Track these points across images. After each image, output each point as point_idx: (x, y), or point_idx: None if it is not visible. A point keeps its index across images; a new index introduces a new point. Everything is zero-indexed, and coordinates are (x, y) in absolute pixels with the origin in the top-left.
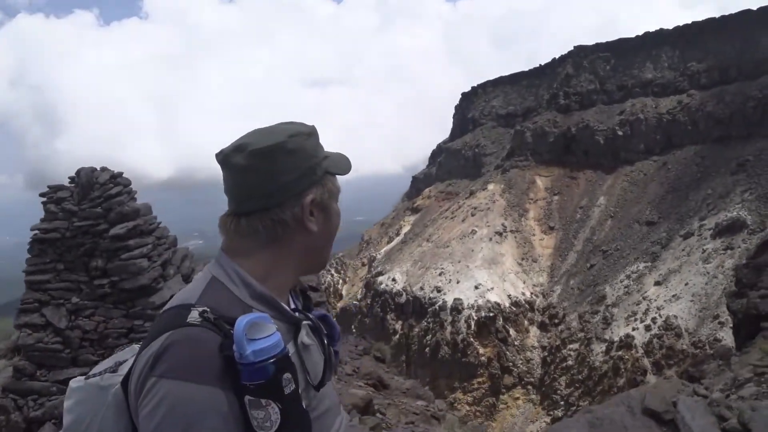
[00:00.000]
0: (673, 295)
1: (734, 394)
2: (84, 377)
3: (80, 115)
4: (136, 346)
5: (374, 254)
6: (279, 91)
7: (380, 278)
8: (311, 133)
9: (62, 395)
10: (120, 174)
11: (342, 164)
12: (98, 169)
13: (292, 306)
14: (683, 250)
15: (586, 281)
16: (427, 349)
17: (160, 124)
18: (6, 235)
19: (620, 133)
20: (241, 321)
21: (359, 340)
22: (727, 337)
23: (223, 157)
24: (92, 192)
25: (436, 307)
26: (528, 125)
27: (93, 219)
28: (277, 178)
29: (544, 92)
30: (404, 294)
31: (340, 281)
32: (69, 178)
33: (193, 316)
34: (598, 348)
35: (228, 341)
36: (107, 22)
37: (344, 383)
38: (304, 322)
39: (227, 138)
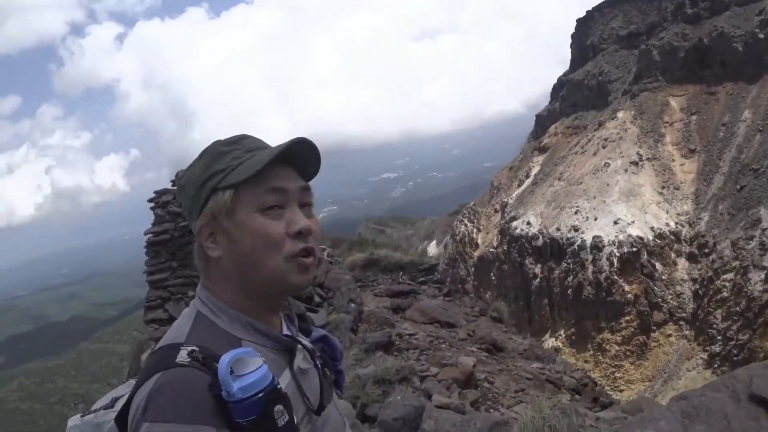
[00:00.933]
0: None
1: None
2: (81, 415)
3: (207, 104)
4: (132, 381)
5: (506, 199)
6: (389, 49)
7: (514, 223)
8: (200, 156)
9: None
10: None
11: (248, 166)
12: None
13: (285, 331)
14: None
15: (737, 205)
16: (569, 291)
17: (278, 99)
18: None
19: (761, 35)
20: (224, 360)
21: (475, 301)
22: None
23: None
24: None
25: (575, 247)
26: (654, 43)
27: None
28: (185, 213)
29: (668, 3)
30: (540, 237)
31: (474, 230)
32: (171, 181)
33: (182, 356)
34: (757, 276)
35: (217, 380)
36: (217, 13)
37: (456, 350)
38: (299, 346)
39: (344, 102)
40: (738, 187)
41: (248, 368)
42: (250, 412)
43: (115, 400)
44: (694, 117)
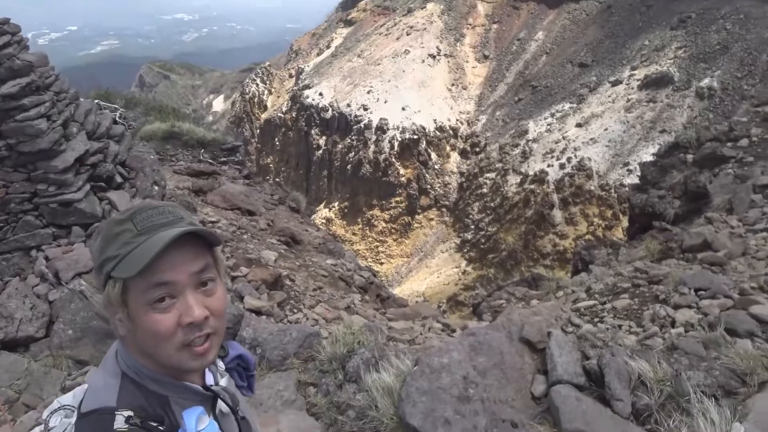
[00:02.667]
0: (591, 139)
1: (609, 308)
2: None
3: None
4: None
5: (303, 66)
6: None
7: (307, 92)
8: (98, 231)
9: None
10: (6, 20)
11: (135, 259)
12: None
13: (207, 377)
14: (609, 96)
15: (511, 114)
16: (349, 167)
17: None
18: None
19: None
20: (190, 419)
21: (275, 188)
22: (631, 183)
23: None
24: None
25: (362, 125)
26: None
27: None
28: None
29: None
30: (330, 109)
31: (266, 92)
32: None
33: (119, 423)
34: (513, 179)
35: None
36: None
37: (258, 241)
38: (220, 393)
39: None
40: (516, 98)
41: (203, 423)
42: None
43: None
44: (495, 26)
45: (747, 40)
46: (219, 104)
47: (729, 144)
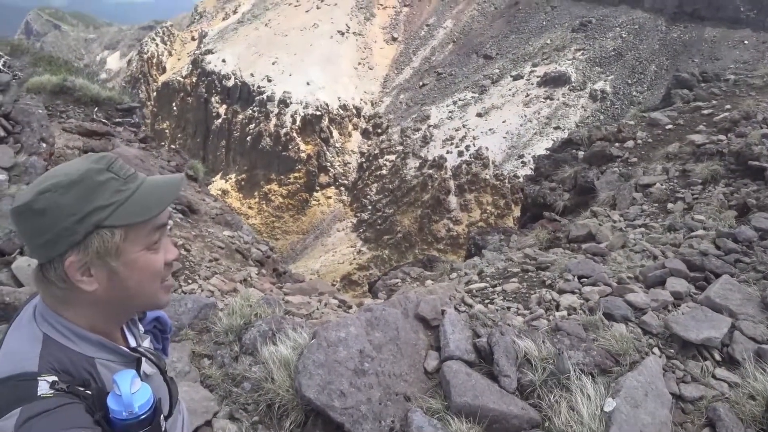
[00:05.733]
0: (490, 129)
1: (500, 290)
2: None
3: None
4: None
5: (206, 30)
6: None
7: (209, 57)
8: (73, 182)
9: None
10: None
11: (138, 207)
12: None
13: (130, 339)
14: (510, 90)
15: (415, 99)
16: (248, 138)
17: None
18: None
19: None
20: (124, 383)
21: (173, 155)
22: (525, 174)
23: None
24: None
25: (264, 97)
26: None
27: None
28: (31, 240)
29: None
30: (233, 77)
31: (165, 53)
32: None
33: (43, 389)
34: (413, 163)
35: (91, 404)
36: None
37: None
38: (146, 354)
39: None
40: (421, 83)
41: (135, 387)
42: (144, 424)
43: None
44: (406, 9)
45: (639, 49)
46: (114, 62)
47: (617, 144)
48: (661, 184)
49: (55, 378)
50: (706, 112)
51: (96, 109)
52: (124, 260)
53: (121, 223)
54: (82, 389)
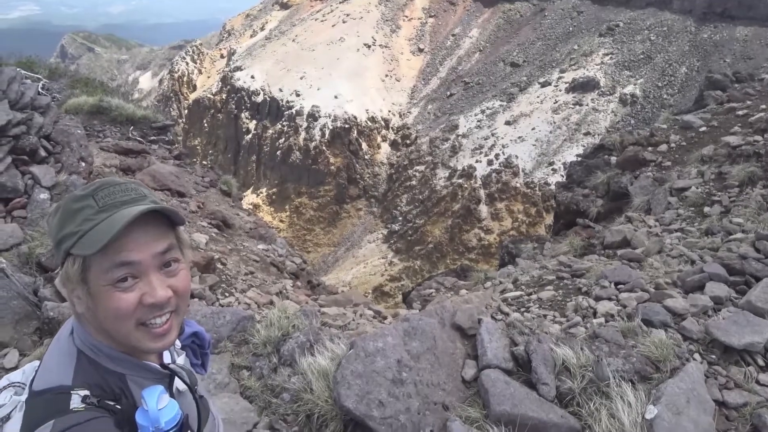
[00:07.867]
0: (519, 137)
1: (535, 298)
2: None
3: None
4: (15, 398)
5: (235, 47)
6: None
7: (238, 74)
8: (56, 208)
9: None
10: None
11: (95, 236)
12: None
13: (165, 355)
14: (538, 97)
15: (443, 108)
16: (278, 153)
17: None
18: None
19: None
20: (151, 399)
21: (206, 171)
22: (556, 181)
23: None
24: None
25: (293, 111)
26: None
27: None
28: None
29: None
30: (262, 93)
31: (195, 72)
32: None
33: (75, 402)
34: (442, 173)
35: (120, 419)
36: None
37: (189, 223)
38: (177, 372)
39: None
40: (448, 93)
41: (162, 403)
42: None
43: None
44: (431, 19)
45: (669, 51)
46: (146, 81)
47: (650, 148)
48: (697, 188)
49: (87, 392)
50: (740, 113)
51: (131, 128)
52: (91, 291)
53: (77, 253)
54: (112, 404)
